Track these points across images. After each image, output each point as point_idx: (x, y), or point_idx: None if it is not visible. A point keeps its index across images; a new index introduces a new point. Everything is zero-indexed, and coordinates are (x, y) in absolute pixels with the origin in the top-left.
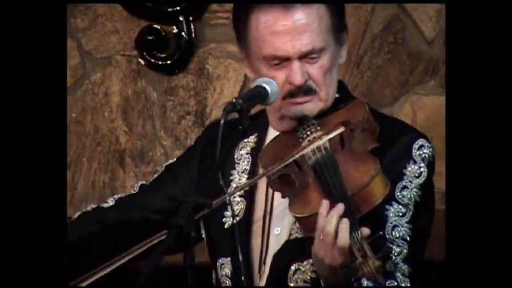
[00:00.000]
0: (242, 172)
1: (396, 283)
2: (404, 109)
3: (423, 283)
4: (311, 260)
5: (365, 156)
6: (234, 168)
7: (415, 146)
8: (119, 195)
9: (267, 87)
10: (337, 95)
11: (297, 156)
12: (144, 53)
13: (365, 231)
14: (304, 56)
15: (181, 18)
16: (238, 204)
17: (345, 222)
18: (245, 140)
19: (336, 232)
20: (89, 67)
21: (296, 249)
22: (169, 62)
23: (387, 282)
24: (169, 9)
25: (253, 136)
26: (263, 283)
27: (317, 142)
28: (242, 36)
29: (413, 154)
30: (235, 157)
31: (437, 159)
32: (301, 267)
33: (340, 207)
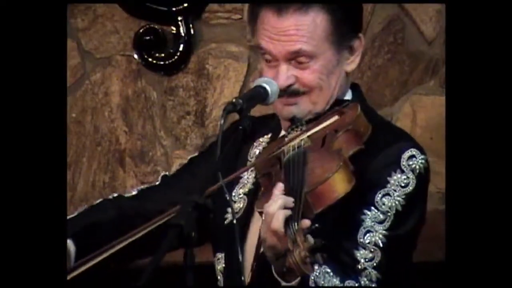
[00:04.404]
0: (251, 170)
1: (357, 284)
2: (404, 109)
3: (423, 283)
4: None
5: (334, 155)
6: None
7: (405, 156)
8: (143, 186)
9: (267, 87)
10: (348, 98)
11: (275, 153)
12: (143, 53)
13: (304, 223)
14: (292, 59)
15: (179, 18)
16: (240, 203)
17: (286, 210)
18: (260, 139)
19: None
20: (89, 67)
21: None
22: (168, 62)
23: (346, 282)
24: (168, 9)
25: (267, 136)
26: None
27: (294, 141)
28: (252, 29)
29: (402, 163)
30: (249, 155)
31: (437, 159)
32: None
33: (288, 197)
